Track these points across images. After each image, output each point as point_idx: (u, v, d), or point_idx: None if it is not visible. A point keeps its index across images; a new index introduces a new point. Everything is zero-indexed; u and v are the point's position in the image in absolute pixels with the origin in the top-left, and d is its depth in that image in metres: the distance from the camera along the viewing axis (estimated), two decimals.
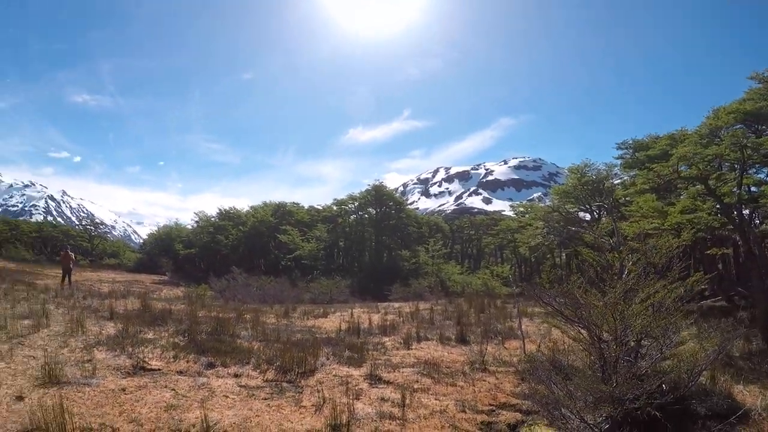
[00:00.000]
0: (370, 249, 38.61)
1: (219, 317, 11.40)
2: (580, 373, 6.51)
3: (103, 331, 9.62)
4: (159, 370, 7.25)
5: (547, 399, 6.05)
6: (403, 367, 8.16)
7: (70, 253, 21.05)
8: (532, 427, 6.48)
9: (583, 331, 6.53)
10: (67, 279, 20.07)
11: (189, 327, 10.08)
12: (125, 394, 6.11)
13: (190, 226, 50.13)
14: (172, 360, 7.81)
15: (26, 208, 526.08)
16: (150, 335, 9.63)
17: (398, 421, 5.56)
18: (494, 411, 6.82)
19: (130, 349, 8.16)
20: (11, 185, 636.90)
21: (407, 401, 6.11)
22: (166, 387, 6.45)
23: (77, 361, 7.32)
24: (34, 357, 7.41)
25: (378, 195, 38.24)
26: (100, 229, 69.44)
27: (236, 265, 30.69)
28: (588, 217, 29.69)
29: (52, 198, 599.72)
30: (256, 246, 39.63)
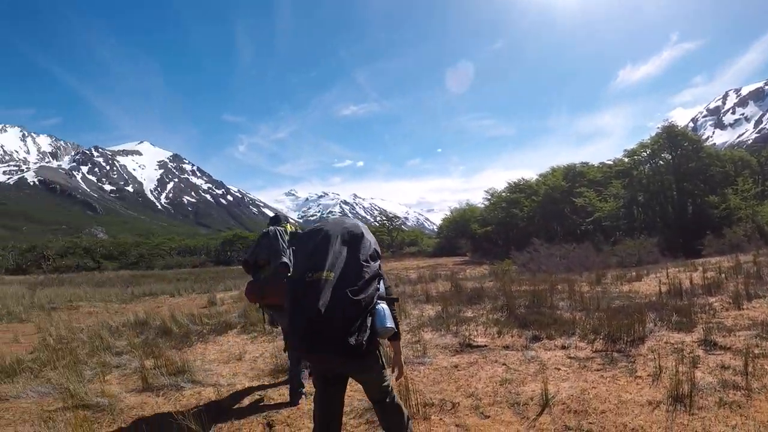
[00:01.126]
0: (672, 200, 34.85)
1: (532, 290, 11.35)
2: None
3: (424, 314, 10.21)
4: (485, 346, 7.36)
5: None
6: (737, 330, 7.26)
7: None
8: None
9: None
10: None
11: (506, 302, 10.14)
12: (458, 370, 6.28)
13: (481, 205, 51.30)
14: (496, 336, 7.89)
15: (324, 216, 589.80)
16: (468, 313, 9.93)
17: (743, 391, 4.91)
18: None
19: (454, 328, 8.46)
20: (307, 198, 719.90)
21: (749, 369, 5.39)
22: (496, 362, 6.50)
23: (407, 343, 7.75)
24: None
25: (670, 137, 34.23)
26: (395, 221, 74.39)
27: (533, 235, 30.58)
28: None
29: (345, 202, 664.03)
30: (551, 214, 38.87)
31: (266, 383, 6.48)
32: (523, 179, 45.12)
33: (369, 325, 3.09)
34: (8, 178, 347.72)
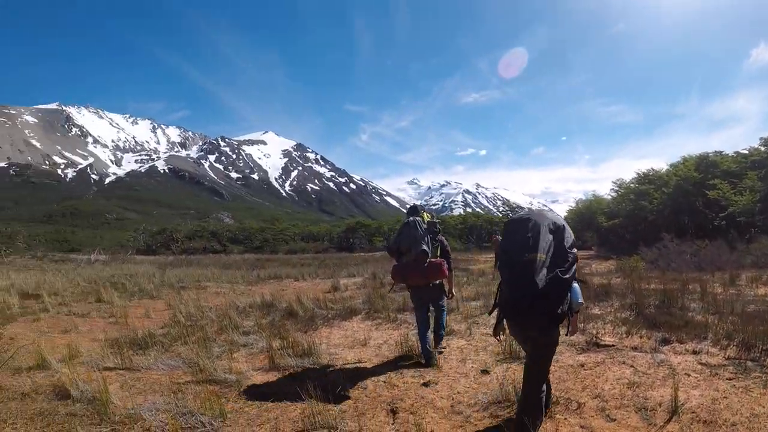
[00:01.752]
0: None
1: (662, 289, 10.87)
2: None
3: None
4: (613, 346, 7.12)
5: None
6: None
7: (499, 237, 22.41)
8: None
9: None
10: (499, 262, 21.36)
11: (634, 301, 9.81)
12: (584, 369, 6.12)
13: (609, 197, 49.28)
14: (624, 336, 7.62)
15: (446, 205, 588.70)
16: (596, 311, 9.68)
17: None
18: None
19: (581, 326, 8.24)
20: (429, 187, 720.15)
21: None
22: (623, 363, 6.27)
23: None
24: (490, 334, 7.92)
25: None
26: (518, 212, 73.27)
27: (662, 230, 29.11)
28: None
29: (467, 192, 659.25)
30: (682, 207, 36.51)
31: (390, 369, 6.57)
32: (653, 169, 42.86)
33: (568, 299, 3.97)
34: (140, 166, 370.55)
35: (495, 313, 4.42)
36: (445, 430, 4.67)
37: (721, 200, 32.07)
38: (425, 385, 5.89)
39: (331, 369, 6.67)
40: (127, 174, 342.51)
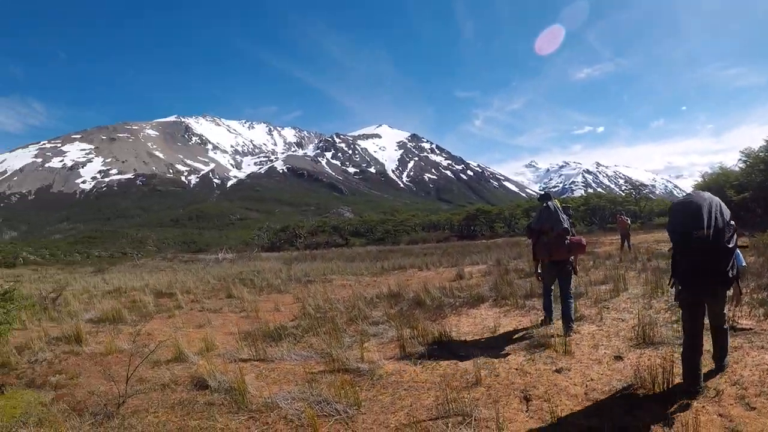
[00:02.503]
0: None
1: None
2: None
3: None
4: (751, 329, 6.67)
5: None
6: None
7: (624, 218, 21.65)
8: None
9: None
10: (626, 243, 20.74)
11: None
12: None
13: (737, 168, 45.77)
14: (762, 318, 7.18)
15: (566, 186, 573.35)
16: (729, 292, 9.08)
17: None
18: None
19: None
20: (548, 169, 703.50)
21: None
22: (763, 348, 5.89)
23: (666, 322, 7.35)
24: (622, 319, 7.82)
25: None
26: (642, 190, 69.87)
27: None
28: None
29: (587, 172, 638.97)
30: None
31: (522, 357, 6.46)
32: None
33: (735, 264, 4.69)
34: (259, 168, 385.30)
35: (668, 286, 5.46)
36: (579, 418, 4.55)
37: None
38: (558, 371, 5.75)
39: (461, 357, 6.63)
40: (248, 176, 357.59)
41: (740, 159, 43.01)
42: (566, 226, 7.45)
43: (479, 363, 6.12)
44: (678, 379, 4.97)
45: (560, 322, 7.60)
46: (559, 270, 7.65)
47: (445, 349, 6.97)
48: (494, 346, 7.15)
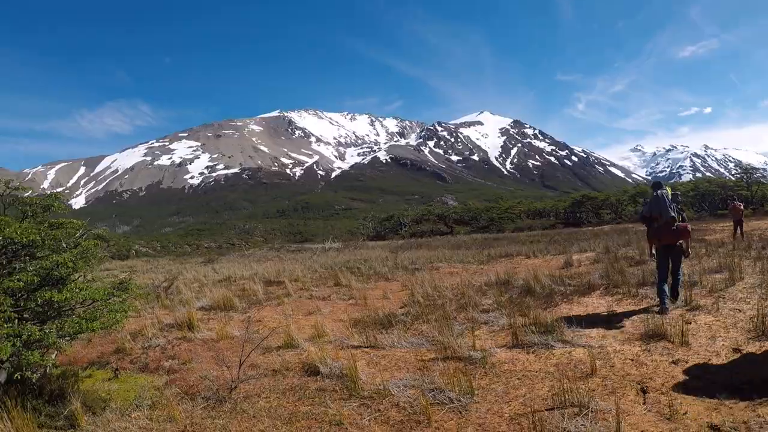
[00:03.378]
0: None
1: None
2: None
3: None
4: None
5: None
6: None
7: (738, 204, 20.53)
8: None
9: None
10: (738, 230, 19.74)
11: None
12: None
13: None
14: None
15: (673, 171, 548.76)
16: None
17: None
18: None
19: None
20: (654, 153, 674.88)
21: None
22: None
23: None
24: (739, 310, 7.43)
25: None
26: (753, 174, 65.51)
27: None
28: None
29: (695, 155, 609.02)
30: None
31: (637, 347, 6.27)
32: None
33: None
34: (363, 158, 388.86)
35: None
36: (698, 412, 4.35)
37: None
38: (674, 363, 5.56)
39: (575, 346, 6.49)
40: (351, 167, 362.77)
41: None
42: (673, 214, 8.16)
43: (593, 352, 5.97)
44: None
45: (677, 311, 7.85)
46: (670, 251, 8.38)
47: (558, 337, 6.83)
48: (607, 335, 6.98)
